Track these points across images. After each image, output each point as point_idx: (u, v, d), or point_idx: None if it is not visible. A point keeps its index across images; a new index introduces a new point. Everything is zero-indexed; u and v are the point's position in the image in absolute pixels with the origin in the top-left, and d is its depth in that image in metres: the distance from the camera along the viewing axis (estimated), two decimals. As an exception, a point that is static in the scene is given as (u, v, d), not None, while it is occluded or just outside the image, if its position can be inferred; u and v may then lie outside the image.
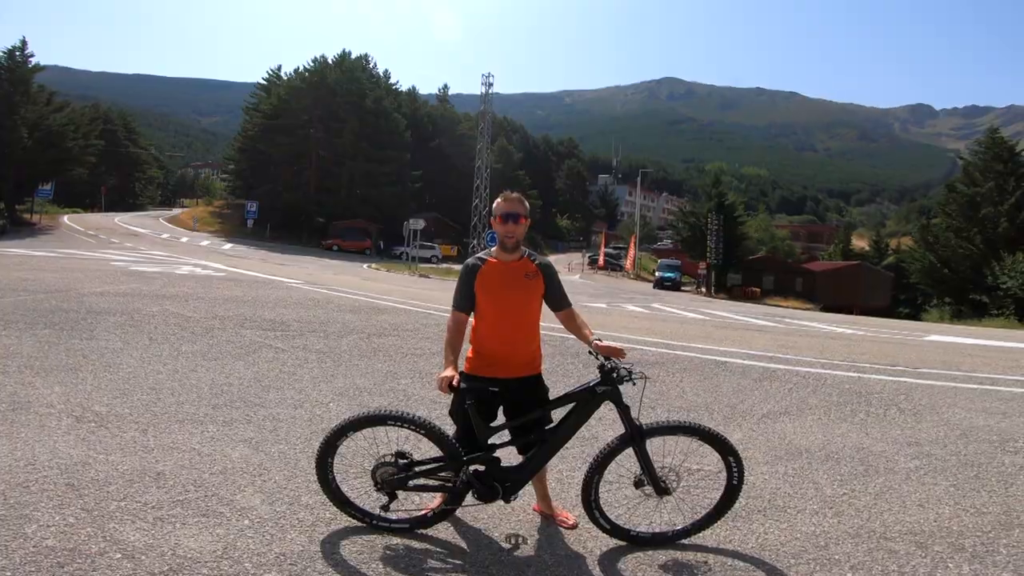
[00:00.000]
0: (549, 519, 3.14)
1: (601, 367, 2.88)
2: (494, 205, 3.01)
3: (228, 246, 32.65)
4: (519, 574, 2.63)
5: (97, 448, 3.53)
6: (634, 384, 2.82)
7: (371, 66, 56.52)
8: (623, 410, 2.89)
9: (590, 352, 2.96)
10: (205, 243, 32.71)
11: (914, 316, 36.01)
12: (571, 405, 2.94)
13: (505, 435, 2.96)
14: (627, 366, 2.88)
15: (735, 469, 2.97)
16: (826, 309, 34.51)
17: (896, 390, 6.89)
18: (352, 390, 5.36)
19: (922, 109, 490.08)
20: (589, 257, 56.82)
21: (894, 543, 3.11)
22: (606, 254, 56.03)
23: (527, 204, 3.02)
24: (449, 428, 2.98)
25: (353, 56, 53.79)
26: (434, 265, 37.66)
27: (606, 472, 2.96)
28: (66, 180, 41.64)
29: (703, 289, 44.68)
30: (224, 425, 4.13)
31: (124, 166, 66.92)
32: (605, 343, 2.90)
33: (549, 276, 3.04)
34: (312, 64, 52.02)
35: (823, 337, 12.67)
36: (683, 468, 3.04)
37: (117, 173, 64.27)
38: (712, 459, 3.08)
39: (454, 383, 2.75)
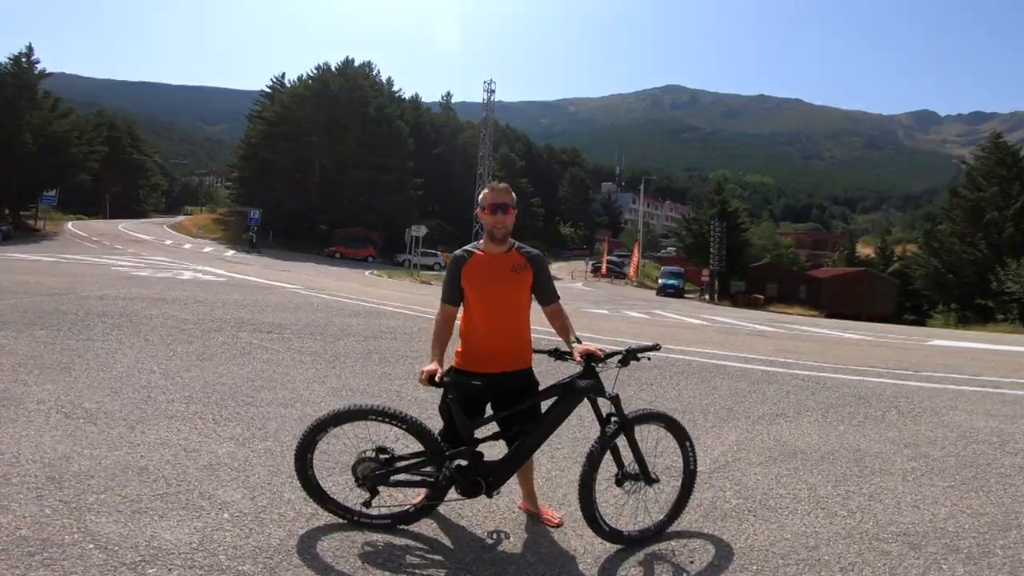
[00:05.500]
0: (534, 517, 3.09)
1: (586, 358, 2.79)
2: (480, 196, 2.93)
3: (230, 252, 32.75)
4: (500, 571, 2.58)
5: (83, 443, 3.51)
6: (648, 359, 2.97)
7: (374, 74, 56.79)
8: (613, 400, 2.84)
9: (555, 354, 2.93)
10: (208, 249, 32.82)
11: (920, 322, 35.79)
12: (553, 399, 2.88)
13: (491, 429, 2.89)
14: (621, 351, 2.88)
15: (691, 455, 3.09)
16: (831, 316, 34.28)
17: (896, 393, 6.81)
18: (345, 390, 5.32)
19: (927, 115, 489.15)
20: (592, 265, 56.73)
21: (887, 544, 3.05)
22: (609, 262, 55.96)
23: (514, 195, 2.95)
24: (439, 424, 2.93)
25: (356, 64, 54.09)
26: (436, 272, 37.63)
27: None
28: (70, 187, 41.92)
29: (706, 296, 44.53)
30: (213, 423, 4.10)
31: (128, 173, 67.34)
32: (583, 345, 2.85)
33: (538, 268, 2.95)
34: (315, 71, 52.29)
35: (825, 342, 12.57)
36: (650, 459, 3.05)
37: (121, 180, 64.66)
38: (671, 446, 3.11)
39: (436, 378, 2.70)
